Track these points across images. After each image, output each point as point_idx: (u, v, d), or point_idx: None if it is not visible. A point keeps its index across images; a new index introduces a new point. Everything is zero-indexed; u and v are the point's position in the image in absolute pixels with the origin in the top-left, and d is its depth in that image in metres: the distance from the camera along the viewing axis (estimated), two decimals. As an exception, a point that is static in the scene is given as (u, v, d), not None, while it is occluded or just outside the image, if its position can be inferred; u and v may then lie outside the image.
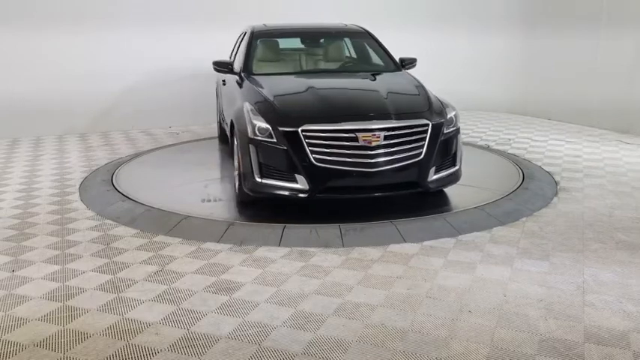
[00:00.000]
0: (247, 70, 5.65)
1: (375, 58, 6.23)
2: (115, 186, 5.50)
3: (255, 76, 5.50)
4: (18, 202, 5.20)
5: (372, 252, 4.00)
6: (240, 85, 5.50)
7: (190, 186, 5.68)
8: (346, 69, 6.25)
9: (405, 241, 4.17)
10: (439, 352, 2.76)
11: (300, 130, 4.39)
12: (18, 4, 7.86)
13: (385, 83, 5.36)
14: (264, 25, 6.52)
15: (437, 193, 5.03)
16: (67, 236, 4.33)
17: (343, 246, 4.11)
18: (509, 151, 7.06)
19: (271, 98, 4.82)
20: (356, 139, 4.41)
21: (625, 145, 7.45)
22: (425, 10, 10.23)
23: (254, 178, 4.52)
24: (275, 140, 4.43)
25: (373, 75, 5.71)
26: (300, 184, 4.44)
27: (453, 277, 3.60)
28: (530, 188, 5.33)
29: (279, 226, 4.34)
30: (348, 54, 6.51)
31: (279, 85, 5.25)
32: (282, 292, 3.40)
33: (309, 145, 4.39)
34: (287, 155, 4.42)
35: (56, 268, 3.75)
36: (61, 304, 3.26)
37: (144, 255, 3.97)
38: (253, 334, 2.93)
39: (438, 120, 4.72)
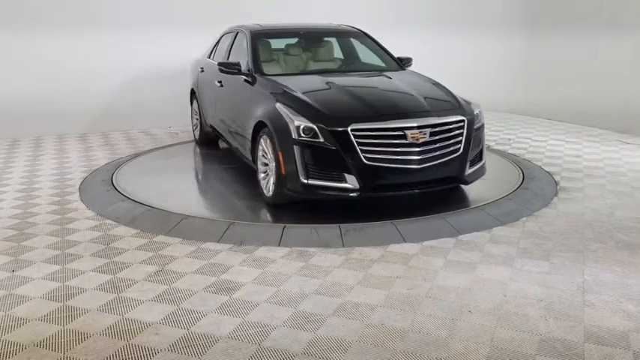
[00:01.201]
0: (259, 71, 5.51)
1: (378, 58, 6.24)
2: (115, 186, 5.49)
3: (270, 77, 5.38)
4: (18, 202, 5.20)
5: (372, 252, 4.00)
6: (252, 85, 5.36)
7: (191, 186, 5.69)
8: (354, 68, 6.16)
9: (405, 241, 4.17)
10: (439, 352, 2.76)
11: (349, 129, 4.39)
12: (19, 5, 7.85)
13: (407, 82, 5.38)
14: (259, 25, 6.38)
15: (438, 193, 5.03)
16: (67, 236, 4.33)
17: (343, 246, 4.11)
18: (509, 151, 7.06)
19: (306, 98, 4.74)
20: (404, 137, 4.46)
21: (625, 145, 7.45)
22: (425, 12, 10.25)
23: (299, 179, 4.44)
24: (322, 140, 4.39)
25: (387, 73, 5.71)
26: (350, 183, 4.41)
27: (453, 277, 3.60)
28: (530, 188, 5.33)
29: (279, 226, 4.35)
30: (350, 54, 6.47)
31: (304, 85, 5.13)
32: (282, 292, 3.40)
33: (359, 144, 4.39)
34: (336, 155, 4.38)
35: (56, 268, 3.75)
36: (61, 304, 3.26)
37: (144, 255, 3.97)
38: (253, 334, 2.93)
39: (470, 116, 4.86)
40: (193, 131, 7.69)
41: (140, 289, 3.44)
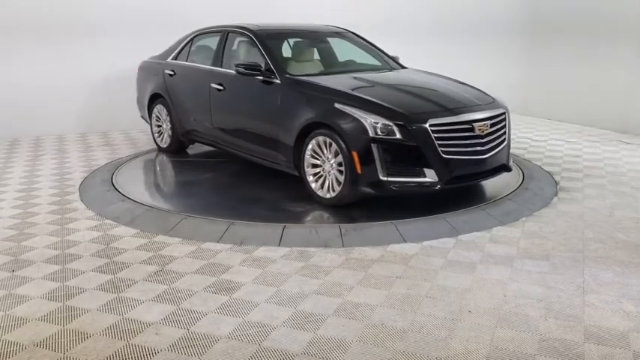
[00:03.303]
0: (284, 72, 5.28)
1: (376, 58, 6.25)
2: (115, 186, 5.49)
3: (298, 78, 5.22)
4: (18, 202, 5.19)
5: (372, 252, 4.00)
6: (278, 87, 5.18)
7: (191, 185, 5.68)
8: (364, 68, 6.05)
9: (405, 241, 4.17)
10: (439, 352, 2.76)
11: (428, 125, 4.49)
12: (19, 5, 7.85)
13: (437, 79, 5.60)
14: (257, 25, 6.11)
15: (438, 193, 5.01)
16: (67, 236, 4.33)
17: (343, 246, 4.11)
18: (509, 151, 7.06)
19: (368, 97, 4.73)
20: (472, 130, 4.68)
21: (625, 145, 7.46)
22: (425, 14, 10.25)
23: (378, 177, 4.47)
24: (400, 137, 4.44)
25: (400, 71, 5.87)
26: (429, 177, 4.52)
27: (453, 277, 3.60)
28: (530, 188, 5.33)
29: (279, 226, 4.34)
30: (352, 54, 6.43)
31: (346, 83, 5.07)
32: (282, 292, 3.40)
33: (437, 138, 4.51)
34: (416, 151, 4.48)
35: (56, 268, 3.75)
36: (61, 304, 3.26)
37: (144, 255, 3.96)
38: (253, 334, 2.93)
39: (506, 108, 5.21)
40: (155, 139, 7.11)
41: (140, 289, 3.44)
